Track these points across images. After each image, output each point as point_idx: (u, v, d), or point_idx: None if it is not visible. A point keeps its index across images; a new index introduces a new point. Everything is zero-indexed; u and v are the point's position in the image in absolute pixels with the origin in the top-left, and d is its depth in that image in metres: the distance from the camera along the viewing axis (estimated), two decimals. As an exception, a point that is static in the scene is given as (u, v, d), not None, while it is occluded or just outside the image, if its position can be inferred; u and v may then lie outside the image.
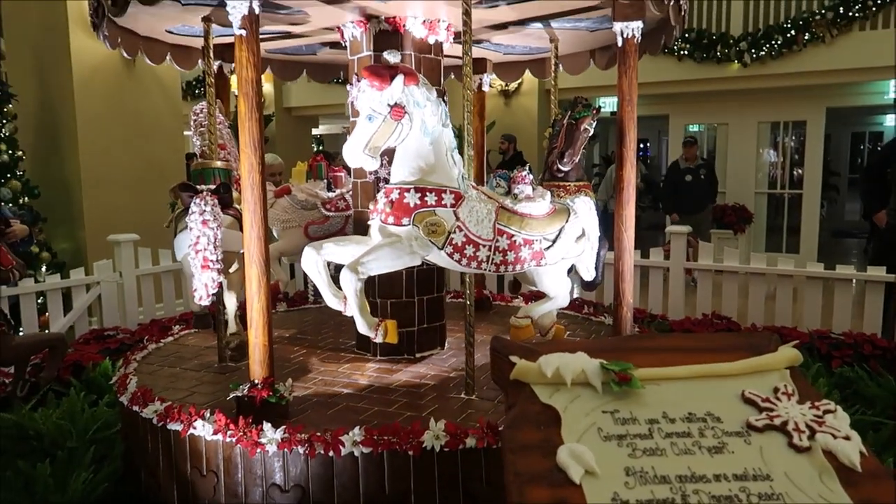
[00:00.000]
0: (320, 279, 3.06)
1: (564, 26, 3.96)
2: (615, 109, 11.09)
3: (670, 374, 1.68)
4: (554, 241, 3.38)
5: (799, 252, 9.36)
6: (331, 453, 2.71)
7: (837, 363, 4.60)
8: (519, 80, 9.53)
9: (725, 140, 10.34)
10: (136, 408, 3.23)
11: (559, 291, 3.68)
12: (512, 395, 1.70)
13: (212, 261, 3.40)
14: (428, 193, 3.00)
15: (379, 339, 3.08)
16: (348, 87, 4.04)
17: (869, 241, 9.99)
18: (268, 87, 11.69)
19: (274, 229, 4.50)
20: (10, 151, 6.15)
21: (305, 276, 4.30)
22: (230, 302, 3.99)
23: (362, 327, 3.06)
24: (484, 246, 3.12)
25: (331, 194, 4.75)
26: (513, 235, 3.20)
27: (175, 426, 3.01)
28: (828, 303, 5.33)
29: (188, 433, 2.97)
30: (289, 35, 4.26)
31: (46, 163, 6.82)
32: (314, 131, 13.69)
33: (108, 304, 5.60)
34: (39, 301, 5.32)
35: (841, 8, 8.09)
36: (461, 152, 3.21)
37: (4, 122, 6.18)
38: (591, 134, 3.85)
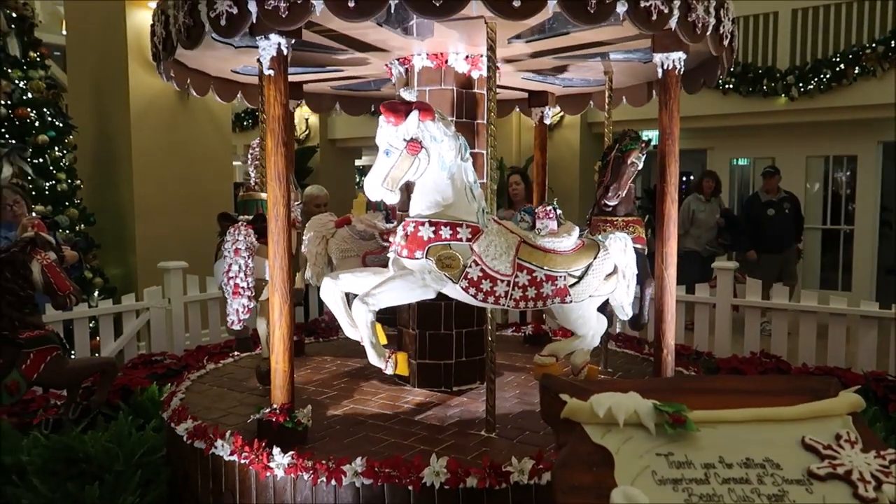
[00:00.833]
0: (339, 309, 3.16)
1: (617, 58, 3.94)
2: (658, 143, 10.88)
3: (726, 416, 1.63)
4: (580, 278, 3.26)
5: (851, 290, 9.08)
6: (333, 482, 2.74)
7: (894, 407, 4.42)
8: (560, 114, 9.58)
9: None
10: (172, 424, 3.38)
11: (587, 331, 3.51)
12: (562, 434, 1.67)
13: (242, 287, 3.57)
14: (443, 227, 3.01)
15: (389, 371, 3.13)
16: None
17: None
18: (313, 119, 11.98)
19: (333, 258, 4.60)
20: (70, 180, 6.41)
21: (320, 304, 4.35)
22: (261, 327, 4.07)
23: (373, 358, 3.12)
24: (502, 281, 3.06)
25: (389, 225, 4.83)
26: (534, 271, 3.12)
27: (200, 444, 3.14)
28: (883, 343, 5.14)
29: (210, 452, 3.09)
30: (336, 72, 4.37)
31: (102, 191, 7.08)
32: (357, 162, 13.93)
33: (157, 329, 5.73)
34: (91, 325, 5.48)
35: (892, 42, 7.94)
36: (486, 184, 3.24)
37: (65, 152, 6.45)
38: (639, 167, 3.80)
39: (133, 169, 6.93)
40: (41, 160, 6.21)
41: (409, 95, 2.98)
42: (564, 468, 1.55)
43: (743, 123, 9.38)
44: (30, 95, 6.19)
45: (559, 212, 3.52)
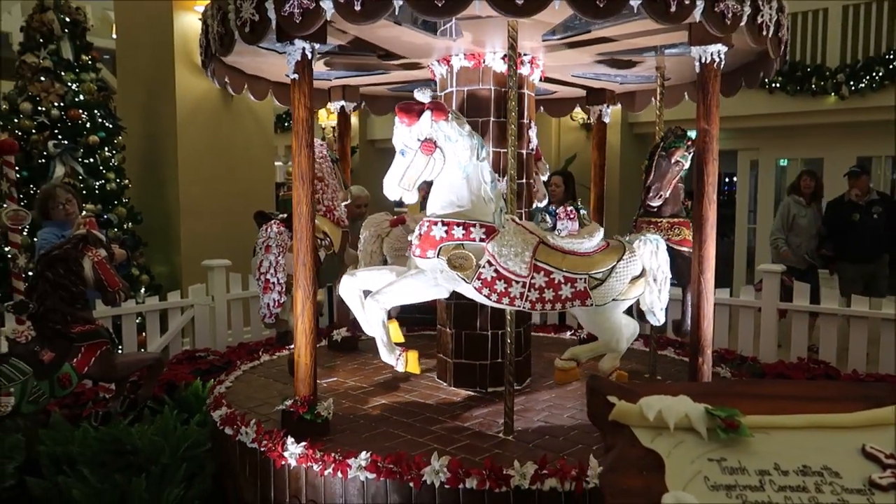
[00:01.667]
0: (356, 306, 3.22)
1: (673, 52, 3.82)
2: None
3: (781, 422, 1.59)
4: (603, 281, 3.17)
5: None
6: (339, 474, 2.80)
7: (952, 417, 4.24)
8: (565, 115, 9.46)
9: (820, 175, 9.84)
10: (212, 411, 3.56)
11: (609, 335, 3.39)
12: (611, 436, 1.65)
13: (272, 283, 3.71)
14: (455, 227, 3.02)
15: (400, 368, 3.17)
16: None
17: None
18: (352, 120, 12.07)
19: (388, 257, 4.66)
20: (118, 180, 6.57)
21: (330, 301, 4.40)
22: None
23: (384, 355, 3.17)
24: (517, 282, 3.03)
25: None
26: (551, 273, 3.07)
27: (229, 430, 3.31)
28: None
29: (237, 438, 3.23)
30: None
31: (149, 191, 7.25)
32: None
33: (201, 326, 5.84)
34: (138, 321, 5.61)
35: (949, 38, 7.67)
36: (507, 182, 3.21)
37: (114, 152, 6.62)
38: (685, 167, 3.69)
39: (179, 169, 7.08)
40: (91, 160, 6.37)
41: (422, 96, 2.99)
42: (614, 471, 1.53)
43: (790, 123, 9.13)
44: (81, 98, 6.37)
45: (583, 212, 3.46)
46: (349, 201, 4.68)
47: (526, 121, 3.94)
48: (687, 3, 2.69)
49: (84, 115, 6.33)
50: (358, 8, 2.63)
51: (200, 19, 3.49)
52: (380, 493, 2.78)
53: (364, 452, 2.82)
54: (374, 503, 2.80)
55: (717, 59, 3.05)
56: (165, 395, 4.56)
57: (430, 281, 3.08)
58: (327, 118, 10.22)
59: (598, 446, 2.92)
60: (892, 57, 8.00)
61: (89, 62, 6.61)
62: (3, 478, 3.44)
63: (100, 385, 4.52)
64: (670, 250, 3.58)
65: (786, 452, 1.52)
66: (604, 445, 1.73)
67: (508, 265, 3.02)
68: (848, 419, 1.59)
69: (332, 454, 2.86)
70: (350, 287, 3.19)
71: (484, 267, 3.01)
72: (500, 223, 3.09)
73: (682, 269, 3.66)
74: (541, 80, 4.10)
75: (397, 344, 3.30)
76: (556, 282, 3.07)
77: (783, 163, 10.44)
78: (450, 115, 2.98)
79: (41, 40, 6.29)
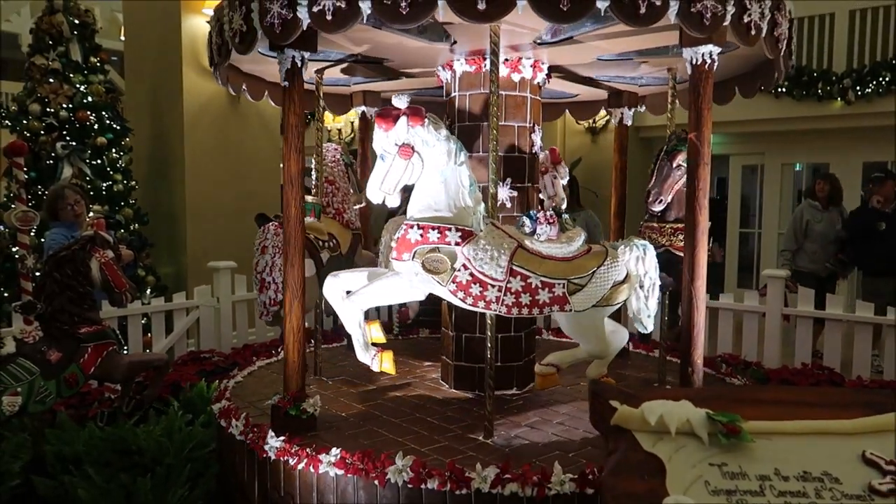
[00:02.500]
0: (339, 305, 3.25)
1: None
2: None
3: (782, 428, 1.60)
4: (582, 286, 3.14)
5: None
6: (311, 468, 2.89)
7: (957, 424, 4.23)
8: (606, 118, 9.47)
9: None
10: (213, 403, 3.75)
11: (590, 341, 3.35)
12: (612, 440, 1.66)
13: (268, 282, 3.79)
14: (431, 230, 3.05)
15: (375, 368, 3.22)
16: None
17: None
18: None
19: None
20: (125, 181, 6.62)
21: (317, 303, 4.44)
22: None
23: (360, 354, 3.23)
24: (493, 286, 3.04)
25: None
26: (528, 277, 3.06)
27: (223, 422, 3.45)
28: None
29: (229, 430, 3.37)
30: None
31: (156, 192, 7.29)
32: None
33: (206, 327, 5.87)
34: (143, 322, 5.64)
35: (956, 43, 7.65)
36: (487, 185, 3.23)
37: (122, 153, 6.67)
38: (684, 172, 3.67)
39: (186, 170, 7.11)
40: (99, 161, 6.42)
41: (399, 102, 3.02)
42: (615, 475, 1.54)
43: (796, 128, 9.12)
44: (90, 99, 6.42)
45: (565, 217, 3.45)
46: (363, 204, 4.71)
47: (528, 124, 3.94)
48: (658, 4, 2.62)
49: (92, 117, 6.38)
50: (329, 17, 2.70)
51: (208, 22, 3.54)
52: (348, 489, 2.87)
53: (335, 449, 2.90)
54: (343, 499, 2.88)
55: (709, 61, 2.98)
56: (171, 395, 4.58)
57: (405, 283, 3.12)
58: (333, 121, 10.24)
59: (574, 453, 2.96)
60: (898, 62, 7.99)
61: (98, 64, 6.66)
62: (9, 477, 3.47)
63: (105, 385, 4.54)
64: (673, 256, 3.56)
65: (787, 458, 1.53)
66: (606, 449, 1.74)
67: (484, 269, 3.03)
68: (849, 425, 1.60)
69: (307, 449, 2.96)
70: (333, 288, 3.24)
71: (459, 270, 3.04)
72: (478, 227, 3.10)
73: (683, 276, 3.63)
74: (546, 82, 4.08)
75: (378, 345, 3.34)
76: (533, 286, 3.07)
77: (798, 167, 10.40)
78: (426, 120, 3.02)
79: (50, 42, 6.35)
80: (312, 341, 4.39)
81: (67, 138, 6.23)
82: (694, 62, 3.00)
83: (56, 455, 3.61)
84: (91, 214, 5.24)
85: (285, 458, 3.01)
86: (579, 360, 3.44)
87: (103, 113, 6.49)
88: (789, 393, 1.88)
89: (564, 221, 3.37)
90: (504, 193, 3.84)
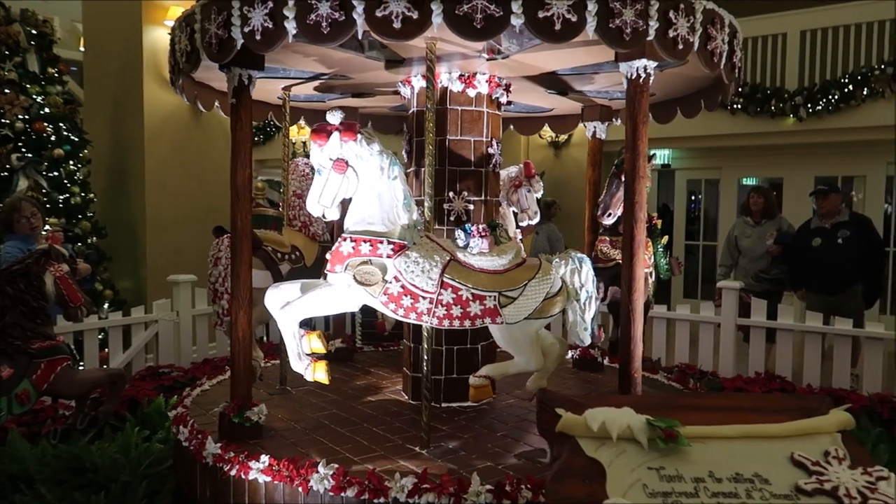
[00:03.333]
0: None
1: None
2: (668, 161, 10.89)
3: (717, 432, 1.67)
4: (514, 299, 3.16)
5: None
6: (242, 475, 2.99)
7: (900, 429, 4.39)
8: (570, 132, 9.64)
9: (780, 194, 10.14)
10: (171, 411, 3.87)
11: (523, 353, 3.32)
12: (557, 447, 1.71)
13: (220, 292, 3.87)
14: (363, 243, 3.12)
15: (309, 377, 3.27)
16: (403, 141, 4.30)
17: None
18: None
19: None
20: (83, 194, 6.51)
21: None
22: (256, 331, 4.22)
23: (294, 363, 3.28)
24: (424, 298, 3.10)
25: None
26: (459, 289, 3.11)
27: (174, 429, 3.60)
28: (890, 365, 5.11)
29: (178, 436, 3.50)
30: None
31: (115, 205, 7.19)
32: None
33: (165, 342, 5.79)
34: (100, 336, 5.54)
35: (901, 63, 7.98)
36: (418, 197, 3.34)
37: (80, 165, 6.57)
38: None
39: (146, 183, 7.04)
40: (56, 173, 6.31)
41: (333, 118, 3.11)
42: (558, 481, 1.59)
43: (752, 144, 9.39)
44: (47, 110, 6.32)
45: (499, 231, 3.50)
46: (337, 217, 4.76)
47: (485, 139, 4.01)
48: (574, 20, 2.62)
49: (49, 128, 6.28)
50: (259, 37, 2.83)
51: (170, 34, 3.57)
52: (275, 496, 2.95)
53: (264, 456, 2.98)
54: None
55: (643, 75, 2.96)
56: (127, 412, 4.51)
57: (339, 295, 3.18)
58: (298, 133, 10.23)
59: (504, 466, 3.01)
60: (846, 81, 8.30)
61: (56, 74, 6.57)
62: (-43, 496, 3.39)
63: (59, 402, 4.45)
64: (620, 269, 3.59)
65: (720, 461, 1.59)
66: (550, 456, 1.79)
67: (415, 281, 3.09)
68: (780, 429, 1.67)
69: (240, 456, 3.05)
70: (273, 299, 3.28)
71: (391, 282, 3.10)
72: (411, 240, 3.16)
73: None
74: (505, 97, 4.15)
75: (319, 356, 3.38)
76: (464, 298, 3.12)
77: (750, 181, 10.69)
78: (359, 135, 3.10)
79: (6, 52, 6.24)
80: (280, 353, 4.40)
81: (23, 150, 6.11)
82: (629, 76, 2.99)
83: (7, 474, 3.54)
84: (47, 228, 5.16)
85: (219, 464, 3.11)
86: (512, 373, 3.45)
87: (61, 124, 6.39)
88: (725, 399, 1.95)
89: (498, 235, 3.40)
90: (460, 206, 3.90)
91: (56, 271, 3.78)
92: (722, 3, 3.15)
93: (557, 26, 2.62)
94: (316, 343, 3.31)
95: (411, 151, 4.19)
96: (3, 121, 6.10)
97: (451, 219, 3.92)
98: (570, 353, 5.02)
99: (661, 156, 10.83)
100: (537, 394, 1.87)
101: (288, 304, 3.20)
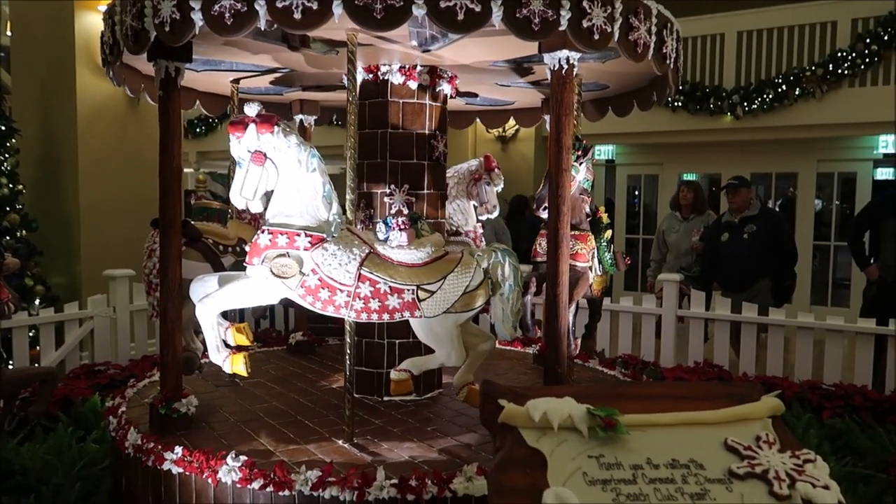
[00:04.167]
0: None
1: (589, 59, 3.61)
2: (611, 157, 11.07)
3: (655, 420, 1.70)
4: (433, 292, 3.14)
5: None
6: (158, 465, 3.02)
7: (828, 414, 4.60)
8: (515, 127, 9.72)
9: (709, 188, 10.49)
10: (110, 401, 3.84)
11: (443, 347, 3.27)
12: (500, 438, 1.72)
13: (155, 285, 3.81)
14: (280, 235, 3.10)
15: (227, 369, 3.30)
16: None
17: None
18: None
19: None
20: (11, 185, 6.22)
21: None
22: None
23: (213, 356, 3.31)
24: (342, 291, 3.09)
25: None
26: (377, 283, 3.10)
27: (106, 420, 3.58)
28: (819, 354, 5.35)
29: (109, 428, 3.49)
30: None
31: (45, 197, 6.89)
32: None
33: (101, 339, 5.59)
34: (31, 334, 5.31)
35: (830, 65, 8.32)
36: (342, 193, 3.29)
37: (7, 156, 6.27)
38: (574, 178, 3.67)
39: (79, 174, 6.77)
40: (-19, 164, 6.02)
41: (250, 110, 3.08)
42: (500, 471, 1.60)
43: (691, 140, 9.67)
44: (-29, 97, 6.01)
45: (420, 224, 3.50)
46: (261, 209, 4.68)
47: (427, 131, 3.99)
48: (478, 10, 2.57)
49: (-26, 116, 5.97)
50: (167, 29, 2.82)
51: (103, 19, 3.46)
52: (186, 487, 2.97)
53: (178, 448, 2.98)
54: (183, 496, 2.98)
55: (566, 66, 2.89)
56: (60, 411, 4.35)
57: (256, 287, 3.16)
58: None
59: (419, 460, 3.01)
60: (780, 81, 8.62)
61: (-20, 60, 6.25)
62: None
63: (-14, 402, 4.25)
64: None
65: (658, 448, 1.63)
66: (493, 447, 1.79)
67: (332, 274, 3.07)
68: (715, 415, 1.72)
69: (158, 446, 3.06)
70: (197, 291, 3.27)
71: (308, 275, 3.08)
72: (330, 233, 3.15)
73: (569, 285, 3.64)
74: (450, 90, 4.13)
75: (242, 348, 3.38)
76: (381, 292, 3.11)
77: (691, 177, 11.00)
78: (276, 127, 3.07)
79: (-75, 35, 5.91)
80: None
81: (-55, 139, 5.80)
82: (552, 67, 2.92)
83: (-73, 478, 3.36)
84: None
85: (138, 454, 3.11)
86: (432, 367, 3.43)
87: (-13, 112, 6.09)
88: (663, 388, 2.00)
89: (420, 228, 3.40)
90: (401, 199, 3.88)
91: (-20, 266, 3.61)
92: (663, 2, 3.18)
93: (460, 16, 2.57)
94: (240, 336, 3.31)
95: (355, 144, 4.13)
96: (-78, 107, 5.78)
97: (393, 212, 3.89)
98: (532, 348, 5.08)
99: (605, 151, 11.05)
100: (481, 385, 1.87)
101: (206, 297, 3.19)
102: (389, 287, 3.11)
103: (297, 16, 2.56)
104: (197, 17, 2.69)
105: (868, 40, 8.15)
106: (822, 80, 8.39)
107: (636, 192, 11.77)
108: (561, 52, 2.87)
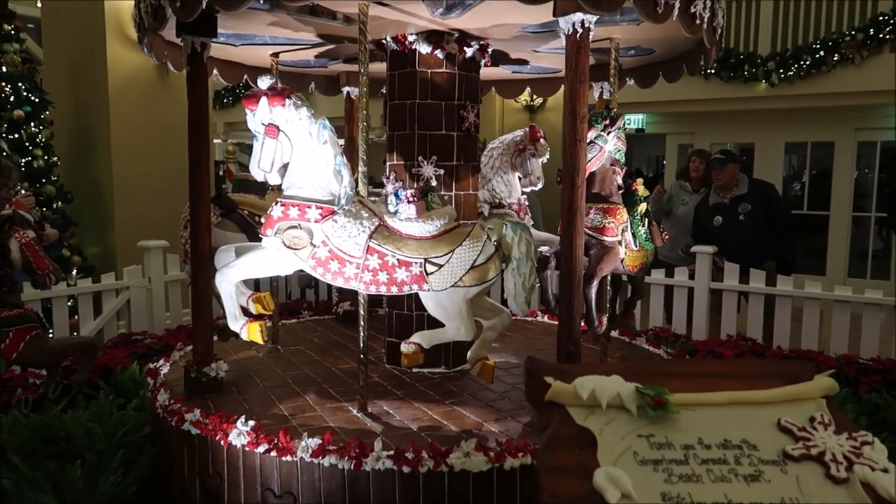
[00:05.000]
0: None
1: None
2: (642, 126, 10.83)
3: (705, 399, 1.68)
4: (441, 266, 3.11)
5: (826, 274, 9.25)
6: (179, 425, 3.17)
7: (865, 389, 4.53)
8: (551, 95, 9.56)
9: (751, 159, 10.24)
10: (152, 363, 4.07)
11: (452, 321, 3.23)
12: (546, 415, 1.71)
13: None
14: (292, 207, 3.14)
15: (244, 337, 3.39)
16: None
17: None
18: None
19: None
20: (46, 157, 6.29)
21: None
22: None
23: (231, 324, 3.40)
24: (351, 263, 3.11)
25: None
26: (385, 255, 3.10)
27: (147, 380, 3.81)
28: (855, 327, 5.26)
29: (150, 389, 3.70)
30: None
31: (80, 168, 6.96)
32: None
33: (137, 309, 5.68)
34: (70, 304, 5.42)
35: (871, 30, 8.03)
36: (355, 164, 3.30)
37: (41, 128, 6.33)
38: (603, 147, 3.56)
39: (112, 146, 6.82)
40: (16, 136, 6.08)
41: (263, 83, 3.09)
42: (548, 449, 1.59)
43: (724, 109, 9.44)
44: (4, 70, 6.05)
45: (432, 196, 3.44)
46: (279, 181, 4.73)
47: (457, 101, 3.92)
48: None
49: (7, 89, 6.02)
50: (178, 5, 2.85)
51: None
52: (202, 448, 3.10)
53: (197, 410, 3.13)
54: (200, 455, 3.12)
55: (581, 31, 2.73)
56: (100, 380, 4.44)
57: (271, 258, 3.21)
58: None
59: (427, 432, 3.01)
60: (818, 47, 8.34)
61: (12, 32, 6.28)
62: (-74, 468, 3.31)
63: (29, 371, 4.36)
64: (588, 239, 3.44)
65: (709, 427, 1.61)
66: (539, 425, 1.79)
67: (342, 245, 3.10)
68: (767, 395, 1.70)
69: (182, 408, 3.20)
70: (220, 260, 3.38)
71: (318, 247, 3.12)
72: (342, 205, 3.15)
73: (591, 260, 3.52)
74: (481, 58, 4.03)
75: (263, 315, 3.47)
76: (389, 264, 3.11)
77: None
78: (287, 100, 3.06)
79: (-42, 9, 5.95)
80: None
81: (-20, 111, 5.87)
82: (566, 32, 2.78)
83: (-23, 444, 3.46)
84: (21, 192, 4.99)
85: (165, 415, 3.26)
86: (442, 341, 3.38)
87: (20, 84, 6.13)
88: (713, 366, 1.98)
89: (430, 201, 3.36)
90: (430, 171, 3.84)
91: (21, 238, 3.67)
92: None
93: None
94: (258, 305, 3.41)
95: (386, 115, 4.09)
96: (-43, 80, 5.84)
97: (421, 184, 3.85)
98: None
99: (636, 120, 10.86)
100: (525, 363, 1.86)
101: (225, 266, 3.28)
102: (397, 260, 3.11)
103: None
104: None
105: (912, 3, 7.85)
106: (863, 46, 8.10)
107: (663, 162, 11.57)
108: (575, 15, 2.72)
